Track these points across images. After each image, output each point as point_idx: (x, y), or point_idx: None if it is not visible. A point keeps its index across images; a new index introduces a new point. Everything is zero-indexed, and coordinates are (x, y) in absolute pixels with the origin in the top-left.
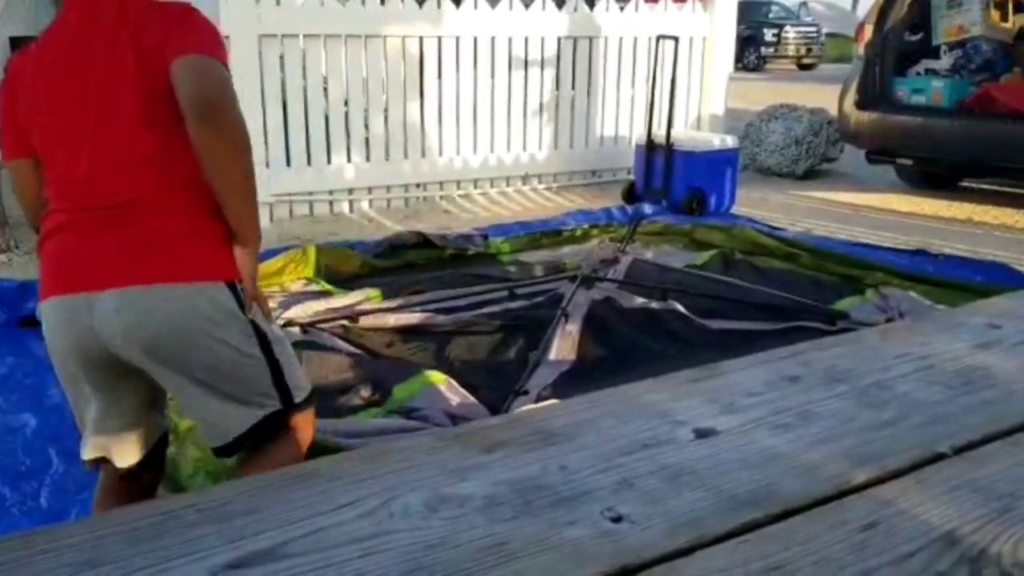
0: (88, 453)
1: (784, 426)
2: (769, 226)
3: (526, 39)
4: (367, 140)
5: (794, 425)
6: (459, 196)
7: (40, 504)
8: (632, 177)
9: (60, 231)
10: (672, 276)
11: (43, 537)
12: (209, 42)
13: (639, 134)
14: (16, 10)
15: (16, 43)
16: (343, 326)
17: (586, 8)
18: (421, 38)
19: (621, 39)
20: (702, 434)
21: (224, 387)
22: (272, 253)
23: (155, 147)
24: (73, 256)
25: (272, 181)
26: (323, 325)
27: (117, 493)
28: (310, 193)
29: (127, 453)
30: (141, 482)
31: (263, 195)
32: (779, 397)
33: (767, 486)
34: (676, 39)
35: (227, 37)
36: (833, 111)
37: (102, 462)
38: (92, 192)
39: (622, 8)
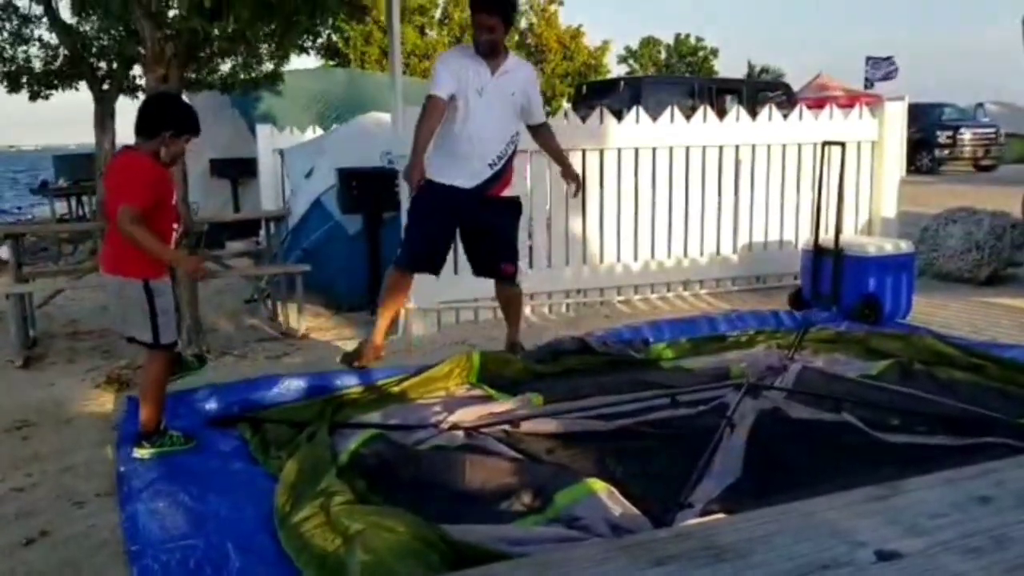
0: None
1: (975, 550)
2: (951, 335)
3: (687, 149)
4: (530, 248)
5: (986, 550)
6: (619, 302)
7: None
8: (798, 283)
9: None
10: (845, 386)
11: None
12: (128, 194)
13: (805, 239)
14: (215, 138)
15: (214, 163)
16: (505, 431)
17: (748, 119)
18: (584, 151)
19: (784, 146)
20: (884, 556)
21: (133, 321)
22: (437, 358)
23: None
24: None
25: (440, 289)
26: (486, 429)
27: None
28: (475, 300)
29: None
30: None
31: (431, 303)
32: (968, 519)
33: None
34: (842, 144)
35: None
36: (1017, 213)
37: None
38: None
39: (786, 116)
